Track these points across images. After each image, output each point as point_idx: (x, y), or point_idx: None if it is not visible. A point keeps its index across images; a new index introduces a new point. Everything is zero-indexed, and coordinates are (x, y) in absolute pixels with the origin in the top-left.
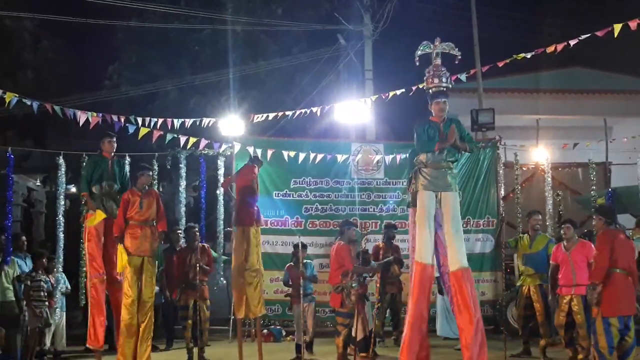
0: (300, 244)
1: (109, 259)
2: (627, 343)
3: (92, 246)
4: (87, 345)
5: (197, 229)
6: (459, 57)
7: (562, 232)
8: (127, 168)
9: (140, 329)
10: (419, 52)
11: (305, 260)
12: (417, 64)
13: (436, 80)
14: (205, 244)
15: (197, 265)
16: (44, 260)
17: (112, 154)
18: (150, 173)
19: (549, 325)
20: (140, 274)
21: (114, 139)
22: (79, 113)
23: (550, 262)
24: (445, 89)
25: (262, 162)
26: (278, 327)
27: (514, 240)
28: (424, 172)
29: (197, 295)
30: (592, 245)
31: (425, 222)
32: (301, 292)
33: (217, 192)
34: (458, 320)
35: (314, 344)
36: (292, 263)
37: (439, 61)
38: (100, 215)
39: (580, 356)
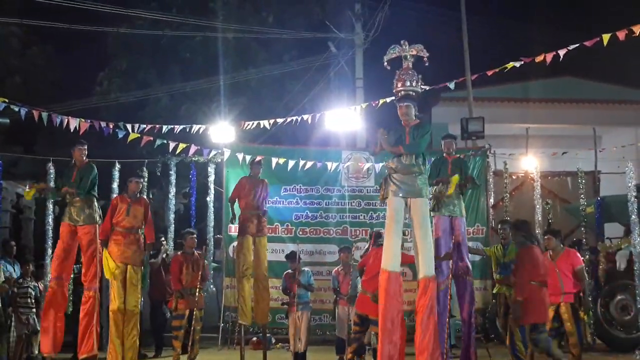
0: (294, 253)
1: (68, 264)
2: (537, 349)
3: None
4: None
5: (195, 236)
6: (426, 58)
7: (544, 243)
8: (94, 173)
9: (125, 338)
10: (388, 57)
11: (303, 268)
12: (388, 68)
13: (399, 84)
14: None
15: (199, 272)
16: (31, 266)
17: (83, 161)
18: (140, 180)
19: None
20: (124, 282)
21: (85, 147)
22: (66, 119)
23: None
24: (412, 92)
25: (259, 163)
26: (267, 334)
27: (489, 249)
28: (394, 178)
29: (195, 304)
30: (578, 254)
31: (393, 229)
32: (295, 300)
33: (207, 199)
34: (418, 328)
35: (308, 352)
36: (290, 270)
37: (407, 64)
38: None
39: None
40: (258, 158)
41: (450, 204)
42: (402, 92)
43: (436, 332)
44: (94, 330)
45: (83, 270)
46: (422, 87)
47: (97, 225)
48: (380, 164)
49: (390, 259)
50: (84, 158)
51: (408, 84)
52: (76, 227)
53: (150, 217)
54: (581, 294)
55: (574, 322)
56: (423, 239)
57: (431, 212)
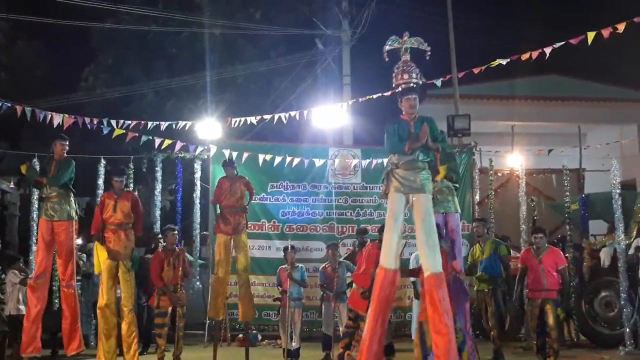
0: (289, 247)
1: (48, 261)
2: None
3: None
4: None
5: (176, 232)
6: (429, 52)
7: (534, 240)
8: (72, 168)
9: (124, 335)
10: (387, 48)
11: (297, 264)
12: (386, 59)
13: (405, 76)
14: (179, 247)
15: (180, 269)
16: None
17: (62, 156)
18: (122, 179)
19: (502, 328)
20: (114, 278)
21: (66, 142)
22: (49, 115)
23: (519, 265)
24: (415, 85)
25: (232, 163)
26: (254, 331)
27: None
28: (396, 174)
29: (177, 301)
30: (562, 253)
31: (393, 225)
32: (288, 296)
33: (194, 195)
34: (431, 330)
35: (301, 348)
36: (284, 266)
37: (407, 57)
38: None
39: (551, 359)
40: (229, 158)
41: (445, 200)
42: (404, 85)
43: (452, 333)
44: (79, 327)
45: (60, 268)
46: (423, 80)
47: (74, 222)
48: (366, 161)
49: (387, 256)
50: (64, 153)
51: (413, 76)
52: (52, 223)
53: (140, 210)
54: (562, 292)
55: (555, 317)
56: (427, 235)
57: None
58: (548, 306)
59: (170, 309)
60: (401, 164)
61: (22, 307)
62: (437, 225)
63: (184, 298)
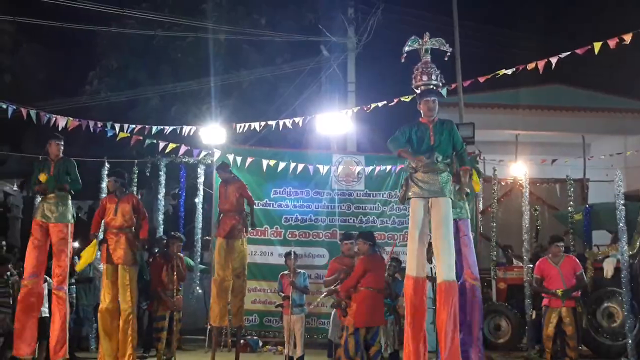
0: (292, 253)
1: (41, 263)
2: (374, 349)
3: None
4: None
5: (181, 242)
6: (449, 53)
7: (554, 249)
8: (73, 168)
9: (120, 339)
10: (407, 48)
11: (299, 271)
12: (403, 60)
13: (425, 78)
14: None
15: (175, 274)
16: (10, 266)
17: (59, 156)
18: (116, 179)
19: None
20: (114, 282)
21: (61, 142)
22: (54, 117)
23: (535, 275)
24: (435, 87)
25: (223, 167)
26: (255, 337)
27: None
28: (415, 178)
29: (173, 306)
30: (577, 260)
31: (416, 234)
32: (290, 302)
33: (196, 200)
34: (439, 336)
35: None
36: (285, 272)
37: (428, 58)
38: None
39: None
40: (223, 161)
41: (457, 205)
42: (423, 87)
43: (457, 345)
44: (66, 332)
45: (54, 270)
46: (443, 82)
47: (70, 224)
48: (370, 168)
49: (414, 265)
50: (60, 153)
51: (433, 77)
52: (47, 225)
53: (143, 212)
54: (580, 299)
55: (575, 326)
56: (443, 240)
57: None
58: (566, 314)
59: (168, 313)
60: (420, 166)
61: (44, 309)
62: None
63: (180, 303)
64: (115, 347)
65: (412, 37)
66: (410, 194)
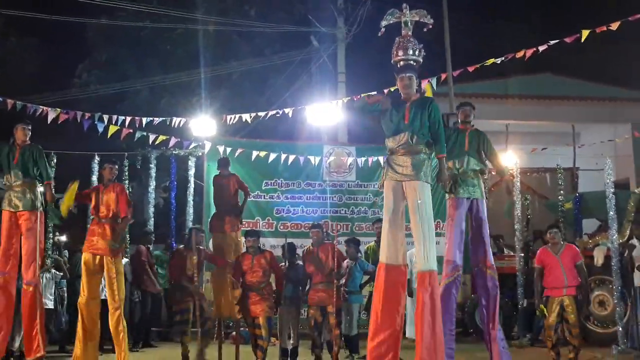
0: (287, 245)
1: (12, 255)
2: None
3: None
4: None
5: (203, 232)
6: (430, 25)
7: (550, 237)
8: (40, 154)
9: (113, 334)
10: (384, 22)
11: (296, 262)
12: (380, 34)
13: (401, 53)
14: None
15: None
16: None
17: (25, 141)
18: (114, 167)
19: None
20: (95, 274)
21: (29, 127)
22: (40, 109)
23: (535, 265)
24: (414, 62)
25: (226, 160)
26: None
27: None
28: (391, 160)
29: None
30: (578, 249)
31: (388, 218)
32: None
33: (187, 192)
34: (415, 328)
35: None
36: (282, 264)
37: (407, 31)
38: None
39: (570, 355)
40: (222, 158)
41: (470, 183)
42: (402, 63)
43: (440, 338)
44: (38, 328)
45: (23, 264)
46: (423, 55)
47: (39, 212)
48: (361, 159)
49: (385, 250)
50: (27, 139)
51: (410, 52)
52: (16, 214)
53: (125, 196)
54: (581, 288)
55: (577, 314)
56: (419, 226)
57: (446, 195)
58: (568, 302)
59: (192, 305)
60: (396, 148)
61: (47, 301)
62: (459, 214)
63: (203, 293)
64: (97, 349)
65: (391, 10)
66: (386, 177)
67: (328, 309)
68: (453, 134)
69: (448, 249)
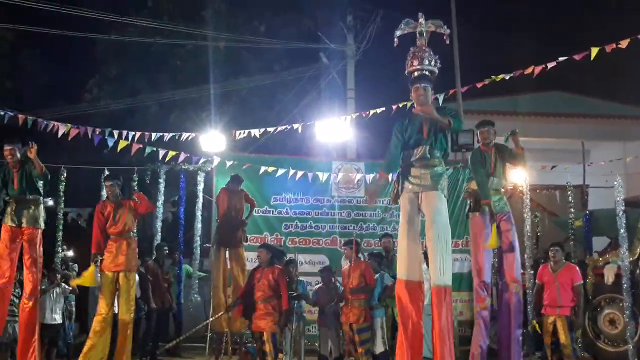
0: (290, 260)
1: (12, 272)
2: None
3: None
4: None
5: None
6: (447, 36)
7: (550, 254)
8: (30, 168)
9: (117, 349)
10: (398, 32)
11: (298, 278)
12: (395, 44)
13: (415, 63)
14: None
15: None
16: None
17: (17, 160)
18: (113, 183)
19: None
20: (113, 291)
21: (12, 145)
22: (51, 124)
23: (536, 281)
24: (429, 72)
25: (239, 179)
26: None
27: None
28: (407, 172)
29: None
30: (578, 270)
31: (405, 233)
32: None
33: (196, 207)
34: (433, 345)
35: None
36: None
37: (422, 41)
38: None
39: None
40: (235, 175)
41: (496, 196)
42: (417, 73)
43: (453, 354)
44: (35, 344)
45: (25, 279)
46: (438, 66)
47: (40, 230)
48: (370, 175)
49: (404, 267)
50: (14, 158)
51: (426, 62)
52: (20, 229)
53: (144, 200)
54: (575, 309)
55: (569, 334)
56: (435, 239)
57: (469, 213)
58: (560, 323)
59: None
60: (412, 161)
61: (56, 315)
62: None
63: None
64: (101, 356)
65: (405, 20)
66: (401, 189)
67: (353, 326)
68: (474, 154)
69: (481, 270)
